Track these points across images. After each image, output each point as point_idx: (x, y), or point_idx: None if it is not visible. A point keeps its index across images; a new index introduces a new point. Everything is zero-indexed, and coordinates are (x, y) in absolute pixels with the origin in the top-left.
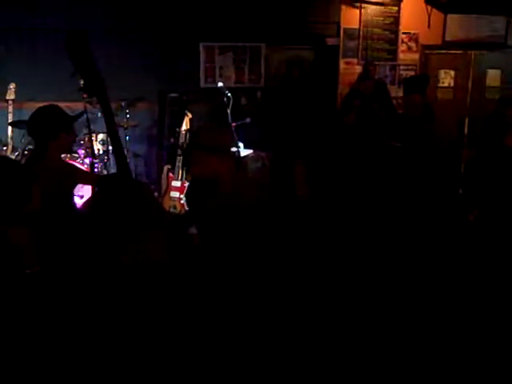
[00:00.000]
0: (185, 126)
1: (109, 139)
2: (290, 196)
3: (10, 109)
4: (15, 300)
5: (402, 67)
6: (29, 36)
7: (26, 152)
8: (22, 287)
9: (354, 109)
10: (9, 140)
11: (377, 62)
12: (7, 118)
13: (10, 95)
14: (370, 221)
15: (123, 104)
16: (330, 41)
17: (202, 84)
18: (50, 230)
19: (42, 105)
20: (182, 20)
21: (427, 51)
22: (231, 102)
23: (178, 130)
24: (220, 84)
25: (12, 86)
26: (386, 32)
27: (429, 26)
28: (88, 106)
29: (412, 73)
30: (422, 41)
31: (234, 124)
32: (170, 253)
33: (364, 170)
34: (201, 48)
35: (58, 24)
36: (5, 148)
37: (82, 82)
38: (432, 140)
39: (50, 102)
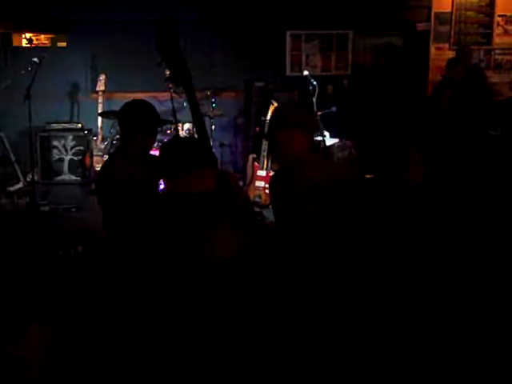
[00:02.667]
0: (270, 114)
1: (194, 129)
2: (399, 180)
3: (100, 99)
4: None
5: (497, 51)
6: (118, 28)
7: (114, 142)
8: None
9: (445, 98)
10: (99, 130)
11: (470, 47)
12: (97, 108)
13: (100, 86)
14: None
15: (209, 93)
16: (421, 26)
17: (288, 72)
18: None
19: (129, 95)
20: (269, 8)
21: None
22: (317, 90)
23: (263, 118)
24: (306, 72)
25: (102, 77)
26: (481, 15)
27: None
28: (174, 95)
29: (509, 57)
30: None
31: (319, 112)
32: (242, 248)
33: (459, 161)
34: (287, 36)
35: (147, 16)
36: (95, 138)
37: (167, 73)
38: None
39: (138, 93)
